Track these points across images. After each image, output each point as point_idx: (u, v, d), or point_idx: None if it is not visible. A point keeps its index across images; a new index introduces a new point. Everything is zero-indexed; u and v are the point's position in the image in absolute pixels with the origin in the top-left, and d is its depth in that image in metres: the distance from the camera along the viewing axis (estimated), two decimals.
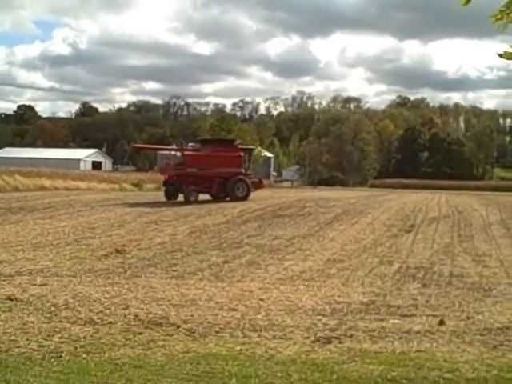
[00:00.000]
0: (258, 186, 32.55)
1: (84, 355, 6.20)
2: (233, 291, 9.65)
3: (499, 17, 3.90)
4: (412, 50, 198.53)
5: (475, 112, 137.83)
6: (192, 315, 7.95)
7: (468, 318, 8.04)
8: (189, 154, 30.01)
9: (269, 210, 24.20)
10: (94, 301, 8.74)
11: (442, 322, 7.68)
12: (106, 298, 8.97)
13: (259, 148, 64.64)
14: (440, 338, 7.04)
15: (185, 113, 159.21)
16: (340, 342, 6.82)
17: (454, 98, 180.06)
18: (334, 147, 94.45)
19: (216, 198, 29.59)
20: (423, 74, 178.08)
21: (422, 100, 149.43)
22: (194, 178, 28.96)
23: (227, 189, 29.53)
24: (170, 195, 29.34)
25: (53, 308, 8.27)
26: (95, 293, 9.29)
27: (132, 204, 26.16)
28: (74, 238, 15.94)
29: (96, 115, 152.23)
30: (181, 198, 28.74)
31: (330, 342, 6.80)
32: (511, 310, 8.54)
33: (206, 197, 29.82)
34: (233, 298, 9.14)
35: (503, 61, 4.01)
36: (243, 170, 30.42)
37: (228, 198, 29.33)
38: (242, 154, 30.81)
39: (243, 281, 10.67)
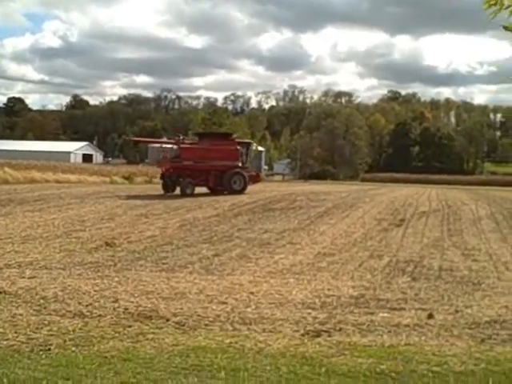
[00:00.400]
0: (256, 179, 32.66)
1: (73, 348, 6.19)
2: (223, 284, 9.65)
3: (492, 2, 3.85)
4: (403, 45, 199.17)
5: (466, 107, 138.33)
6: (182, 308, 7.95)
7: (457, 311, 8.08)
8: (185, 147, 30.10)
9: (260, 203, 24.20)
10: (84, 294, 8.72)
11: (430, 316, 7.72)
12: (95, 290, 8.95)
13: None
14: (429, 331, 7.07)
15: (176, 106, 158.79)
16: (329, 336, 6.83)
17: (445, 92, 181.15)
18: (325, 141, 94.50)
19: (213, 191, 29.63)
20: (414, 68, 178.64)
21: (414, 95, 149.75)
22: (190, 171, 29.04)
23: (224, 182, 29.59)
24: (168, 188, 29.40)
25: (42, 301, 8.24)
26: (85, 286, 9.26)
27: (122, 197, 26.09)
28: (64, 230, 15.88)
29: (87, 108, 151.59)
30: (178, 191, 28.77)
31: (319, 336, 6.81)
32: (499, 303, 8.59)
33: (204, 190, 29.83)
34: (223, 291, 9.14)
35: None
36: (240, 164, 30.46)
37: (226, 192, 29.35)
38: (238, 147, 30.88)
39: (233, 274, 10.67)
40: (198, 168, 29.23)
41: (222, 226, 17.63)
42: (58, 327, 6.93)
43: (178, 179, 28.90)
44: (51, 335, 6.61)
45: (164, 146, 33.71)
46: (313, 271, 11.07)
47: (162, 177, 30.37)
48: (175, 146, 30.78)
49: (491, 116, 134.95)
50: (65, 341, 6.42)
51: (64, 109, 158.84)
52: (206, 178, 29.50)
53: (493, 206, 25.52)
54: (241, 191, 29.46)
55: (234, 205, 23.32)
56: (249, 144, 34.78)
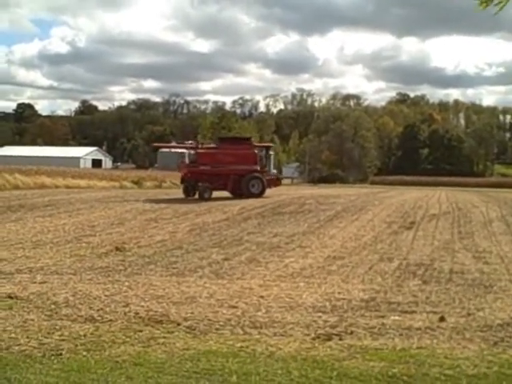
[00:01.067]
0: (275, 183, 32.65)
1: (84, 353, 6.20)
2: (233, 288, 9.64)
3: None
4: (410, 47, 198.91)
5: (475, 108, 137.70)
6: (192, 312, 7.95)
7: (468, 314, 8.03)
8: (201, 152, 30.44)
9: (269, 207, 24.19)
10: (94, 298, 8.73)
11: (442, 319, 7.68)
12: (106, 295, 8.96)
13: None
14: (440, 334, 7.03)
15: (185, 111, 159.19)
16: (340, 339, 6.81)
17: (453, 94, 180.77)
18: (334, 144, 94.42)
19: (234, 195, 29.78)
20: (422, 70, 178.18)
21: (422, 97, 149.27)
22: (207, 176, 29.30)
23: (242, 186, 29.76)
24: (189, 192, 29.75)
25: (53, 306, 8.26)
26: (95, 290, 9.28)
27: (132, 202, 26.16)
28: (74, 235, 15.93)
29: (95, 113, 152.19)
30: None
31: (330, 339, 6.79)
32: None
33: (225, 194, 29.96)
34: (233, 295, 9.13)
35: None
36: (258, 168, 30.60)
37: (244, 196, 29.47)
38: (257, 151, 31.12)
39: (243, 278, 10.66)
40: (215, 172, 29.49)
41: (231, 229, 17.64)
42: (69, 332, 6.94)
43: (197, 184, 29.28)
44: (63, 340, 6.62)
45: (173, 150, 33.98)
46: (323, 275, 11.04)
47: (182, 181, 30.86)
48: (187, 151, 31.17)
49: (501, 117, 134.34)
50: (76, 345, 6.43)
51: (73, 114, 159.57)
52: (224, 182, 29.75)
53: (503, 209, 25.39)
54: (259, 195, 29.62)
55: (244, 208, 23.32)
56: (268, 147, 34.90)
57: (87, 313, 7.88)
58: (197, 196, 29.12)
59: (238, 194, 29.77)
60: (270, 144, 41.96)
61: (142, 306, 8.27)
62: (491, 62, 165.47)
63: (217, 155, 30.05)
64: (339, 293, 9.38)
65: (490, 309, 8.34)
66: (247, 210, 22.81)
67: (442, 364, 5.89)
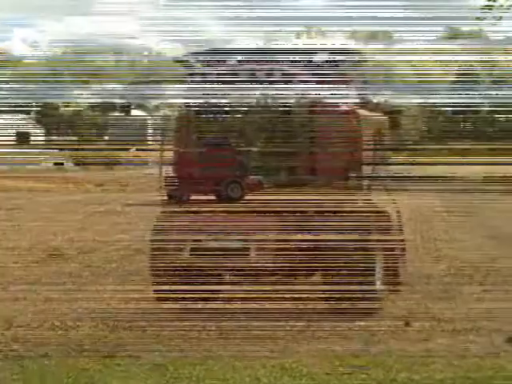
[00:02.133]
0: (256, 187, 32.12)
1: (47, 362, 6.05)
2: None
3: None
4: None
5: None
6: (159, 319, 7.81)
7: (434, 318, 8.07)
8: (180, 155, 30.30)
9: None
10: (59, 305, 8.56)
11: (407, 323, 7.69)
12: (71, 303, 8.78)
13: None
14: (407, 339, 7.06)
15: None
16: (308, 344, 6.78)
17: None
18: None
19: (217, 198, 29.64)
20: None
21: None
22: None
23: (220, 190, 29.59)
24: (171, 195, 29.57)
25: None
26: (59, 297, 9.08)
27: (96, 205, 25.72)
28: (36, 240, 15.56)
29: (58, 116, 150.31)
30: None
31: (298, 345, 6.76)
32: (478, 309, 8.56)
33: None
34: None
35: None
36: (237, 172, 30.43)
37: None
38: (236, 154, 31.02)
39: None
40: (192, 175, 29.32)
41: None
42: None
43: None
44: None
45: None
46: (292, 278, 10.93)
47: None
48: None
49: None
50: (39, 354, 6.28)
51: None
52: (202, 185, 29.51)
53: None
54: (238, 199, 29.43)
55: None
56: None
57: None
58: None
59: (217, 197, 29.56)
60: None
61: (110, 313, 8.10)
62: None
63: (195, 158, 29.85)
64: (306, 296, 9.32)
65: (456, 313, 8.39)
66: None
67: (410, 369, 5.90)
